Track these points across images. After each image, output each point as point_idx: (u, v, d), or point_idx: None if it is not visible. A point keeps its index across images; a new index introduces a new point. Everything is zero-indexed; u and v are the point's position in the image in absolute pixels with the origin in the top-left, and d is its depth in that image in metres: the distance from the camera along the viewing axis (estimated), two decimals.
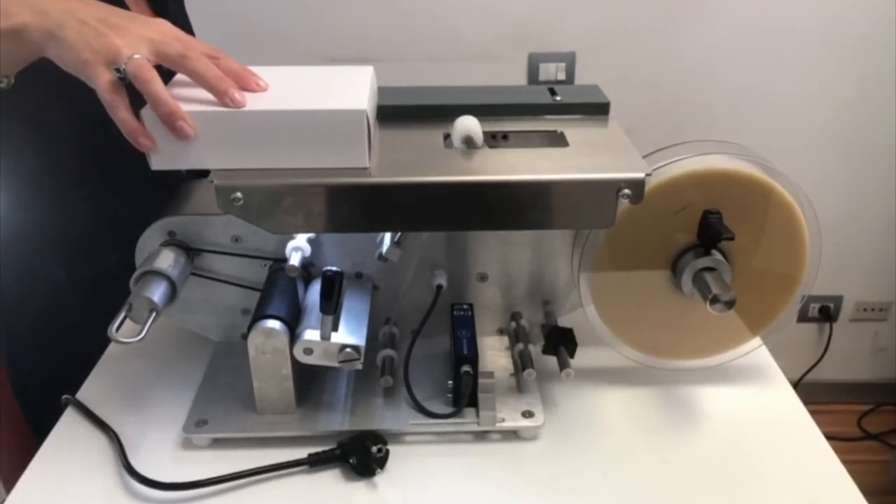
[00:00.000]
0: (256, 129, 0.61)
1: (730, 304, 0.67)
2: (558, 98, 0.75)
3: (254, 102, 0.62)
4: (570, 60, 1.71)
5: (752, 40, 1.69)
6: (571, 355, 0.73)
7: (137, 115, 0.61)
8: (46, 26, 0.60)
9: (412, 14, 1.63)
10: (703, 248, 0.71)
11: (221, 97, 0.61)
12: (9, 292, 0.92)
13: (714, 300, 0.67)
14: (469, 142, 0.66)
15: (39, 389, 0.96)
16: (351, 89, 0.65)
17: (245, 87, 0.63)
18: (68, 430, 0.74)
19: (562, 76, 1.72)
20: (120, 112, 0.60)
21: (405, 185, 0.62)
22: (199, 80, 0.61)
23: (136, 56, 0.59)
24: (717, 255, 0.71)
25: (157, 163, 0.62)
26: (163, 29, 0.63)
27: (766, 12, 1.66)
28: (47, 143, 0.87)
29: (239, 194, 0.61)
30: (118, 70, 0.59)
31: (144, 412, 0.75)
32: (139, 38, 0.60)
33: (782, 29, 1.68)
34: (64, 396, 0.77)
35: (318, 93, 0.65)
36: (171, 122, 0.59)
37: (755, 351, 0.80)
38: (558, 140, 0.70)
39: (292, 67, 0.70)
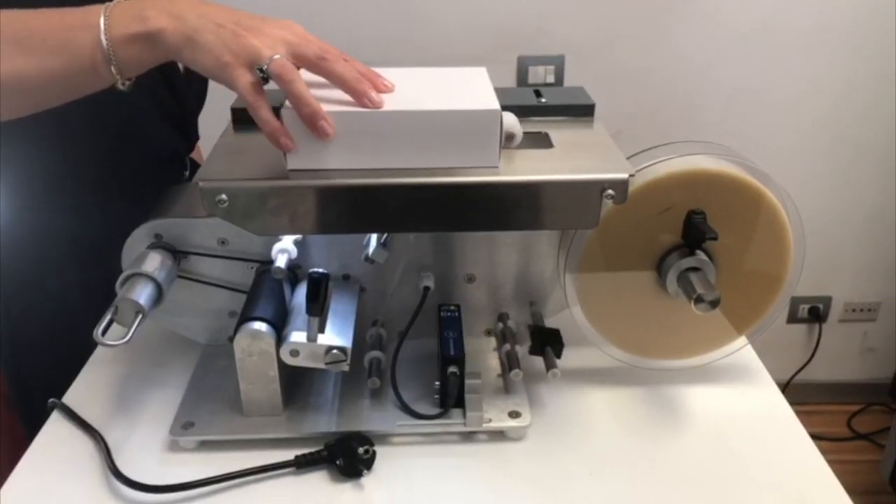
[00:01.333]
0: (393, 129, 0.61)
1: (714, 304, 0.67)
2: (543, 100, 0.75)
3: (388, 103, 0.62)
4: (559, 63, 1.71)
5: (741, 42, 1.70)
6: (558, 355, 0.74)
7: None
8: (184, 31, 0.60)
9: (400, 17, 1.64)
10: (688, 248, 0.71)
11: (360, 98, 0.61)
12: (17, 298, 0.91)
13: (698, 300, 0.68)
14: (511, 139, 0.66)
15: (44, 396, 0.96)
16: (477, 90, 0.66)
17: (374, 88, 0.63)
18: (54, 434, 0.74)
19: (551, 79, 1.72)
20: (262, 112, 0.60)
21: (391, 186, 0.62)
22: (338, 81, 0.61)
23: (277, 56, 0.59)
24: (701, 255, 0.71)
25: (294, 163, 0.62)
26: (296, 30, 0.63)
27: (753, 14, 1.67)
28: (66, 148, 0.86)
29: (224, 196, 0.61)
30: (260, 70, 0.59)
31: (131, 415, 0.75)
32: (276, 39, 0.61)
33: (770, 31, 1.69)
34: (50, 400, 0.77)
35: (447, 93, 0.65)
36: (313, 121, 0.59)
37: (741, 350, 0.80)
38: (543, 141, 0.70)
39: (404, 69, 0.69)
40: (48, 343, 0.93)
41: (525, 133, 0.72)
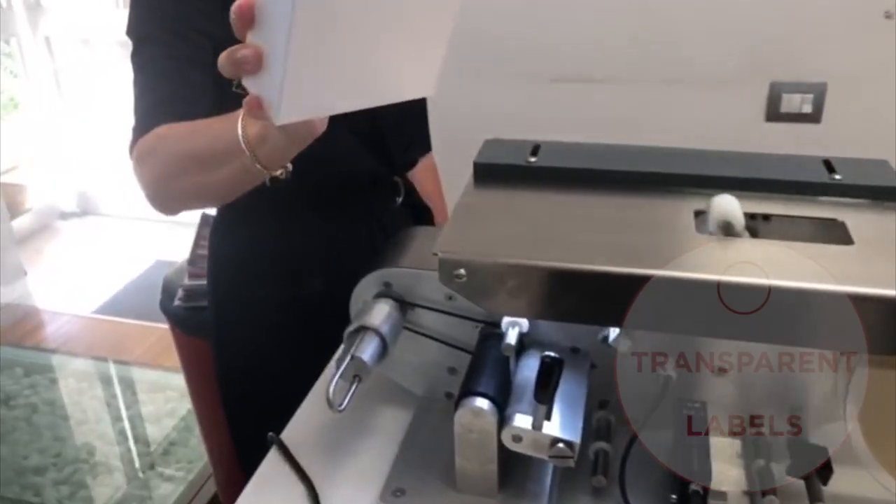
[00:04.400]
0: None
1: None
2: (838, 176, 0.63)
3: None
4: (818, 92, 1.52)
5: None
6: (825, 483, 0.61)
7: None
8: None
9: (643, 33, 1.53)
10: None
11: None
12: (226, 305, 1.01)
13: None
14: (728, 228, 0.57)
15: (245, 378, 1.05)
16: None
17: None
18: (272, 472, 0.74)
19: (808, 109, 1.53)
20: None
21: (644, 277, 0.54)
22: None
23: None
24: None
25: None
26: None
27: None
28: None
29: (462, 271, 0.57)
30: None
31: (343, 464, 0.74)
32: None
33: None
34: (269, 434, 0.77)
35: None
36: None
37: None
38: (838, 233, 0.58)
39: None
40: (251, 360, 1.02)
41: (813, 218, 0.61)
